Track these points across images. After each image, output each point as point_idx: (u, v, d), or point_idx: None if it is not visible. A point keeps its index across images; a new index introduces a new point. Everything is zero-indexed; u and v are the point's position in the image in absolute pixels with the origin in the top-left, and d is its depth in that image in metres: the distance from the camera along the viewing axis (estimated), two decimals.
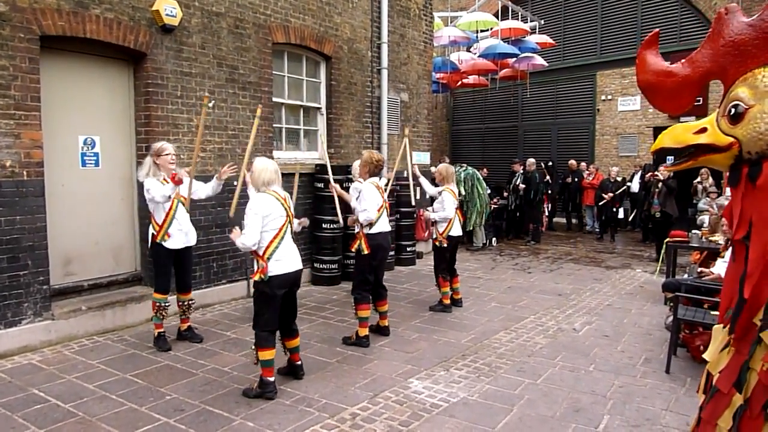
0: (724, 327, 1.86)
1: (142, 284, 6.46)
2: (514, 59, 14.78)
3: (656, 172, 10.74)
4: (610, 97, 15.98)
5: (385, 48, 9.42)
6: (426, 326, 6.16)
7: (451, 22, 14.75)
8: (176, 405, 4.16)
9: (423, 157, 10.72)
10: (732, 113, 1.68)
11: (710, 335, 5.38)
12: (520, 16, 15.41)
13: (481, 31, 14.85)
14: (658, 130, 14.82)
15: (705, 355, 1.94)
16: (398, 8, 9.95)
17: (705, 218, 9.41)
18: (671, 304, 5.63)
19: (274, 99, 7.78)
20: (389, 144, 9.67)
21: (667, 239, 7.74)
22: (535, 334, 5.94)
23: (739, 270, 1.76)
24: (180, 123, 6.49)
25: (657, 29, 2.07)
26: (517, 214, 13.23)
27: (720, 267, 5.68)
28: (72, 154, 5.86)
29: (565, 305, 7.14)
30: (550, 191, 13.76)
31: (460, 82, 15.65)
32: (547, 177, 13.47)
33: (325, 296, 7.53)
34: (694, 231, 7.32)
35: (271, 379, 4.33)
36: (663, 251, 8.38)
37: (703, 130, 1.76)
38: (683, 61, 1.82)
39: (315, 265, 8.14)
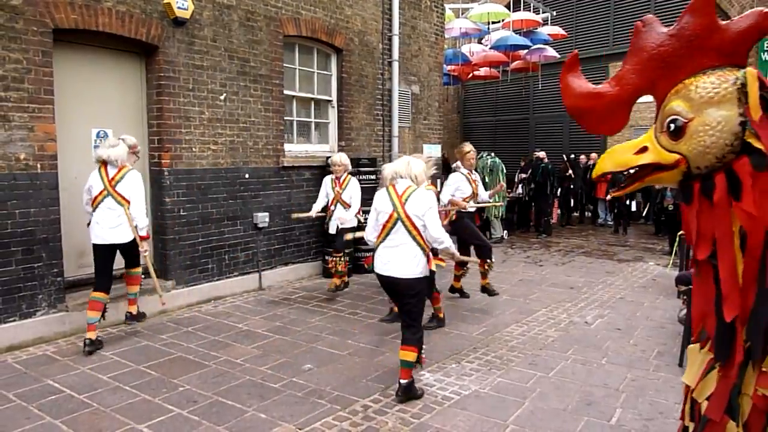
0: (701, 348, 1.74)
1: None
2: (526, 51, 14.67)
3: None
4: None
5: (396, 40, 9.37)
6: None
7: (462, 14, 14.65)
8: (189, 396, 4.19)
9: (434, 150, 10.68)
10: (672, 129, 1.59)
11: None
12: (531, 8, 15.26)
13: (493, 22, 14.73)
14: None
15: (684, 379, 1.81)
16: (409, 0, 9.89)
17: None
18: (684, 297, 5.58)
19: (285, 92, 7.77)
20: (400, 137, 9.65)
21: (681, 232, 7.67)
22: (547, 327, 5.91)
23: (709, 291, 1.64)
24: (192, 116, 6.50)
25: (576, 51, 1.93)
26: (532, 205, 13.17)
27: None
28: (85, 147, 5.89)
29: (577, 298, 7.10)
30: (572, 185, 13.68)
31: (471, 75, 15.56)
32: (570, 171, 13.37)
33: None
34: None
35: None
36: (676, 244, 8.31)
37: (644, 149, 1.66)
38: (610, 80, 1.73)
39: (326, 257, 8.14)
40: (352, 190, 6.97)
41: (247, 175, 7.19)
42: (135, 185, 5.13)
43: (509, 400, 4.14)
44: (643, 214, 13.58)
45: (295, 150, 8.07)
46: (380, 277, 4.20)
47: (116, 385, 4.36)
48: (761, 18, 1.50)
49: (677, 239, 7.93)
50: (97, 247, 5.08)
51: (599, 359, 5.00)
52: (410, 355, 4.04)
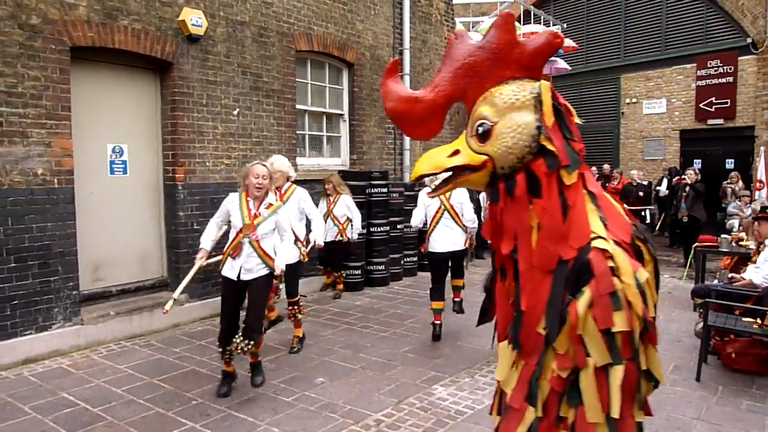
0: (509, 344, 1.84)
1: (169, 290, 6.53)
2: None
3: (683, 176, 10.56)
4: (634, 100, 15.77)
5: (407, 54, 9.43)
6: (450, 332, 6.11)
7: (472, 27, 14.71)
8: (202, 410, 4.19)
9: None
10: (480, 132, 1.71)
11: (743, 342, 5.27)
12: (542, 20, 15.29)
13: None
14: (684, 133, 14.61)
15: (496, 376, 1.91)
16: (420, 14, 9.97)
17: (734, 222, 9.23)
18: (701, 310, 5.52)
19: (298, 106, 7.85)
20: (411, 150, 9.68)
21: (696, 244, 7.59)
22: None
23: (509, 286, 1.78)
24: (206, 131, 6.58)
25: (396, 58, 2.06)
26: None
27: (751, 272, 5.55)
28: (101, 162, 5.98)
29: None
30: None
31: None
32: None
33: (348, 302, 7.54)
34: (723, 235, 7.17)
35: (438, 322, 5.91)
36: (691, 256, 8.22)
37: (456, 152, 1.77)
38: (425, 86, 1.84)
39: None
40: (303, 204, 5.62)
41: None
42: None
43: None
44: (658, 227, 13.46)
45: (308, 164, 8.12)
46: (440, 254, 5.74)
47: (130, 398, 4.38)
48: (552, 37, 1.70)
49: (692, 251, 7.85)
50: None
51: None
52: (460, 282, 6.06)
